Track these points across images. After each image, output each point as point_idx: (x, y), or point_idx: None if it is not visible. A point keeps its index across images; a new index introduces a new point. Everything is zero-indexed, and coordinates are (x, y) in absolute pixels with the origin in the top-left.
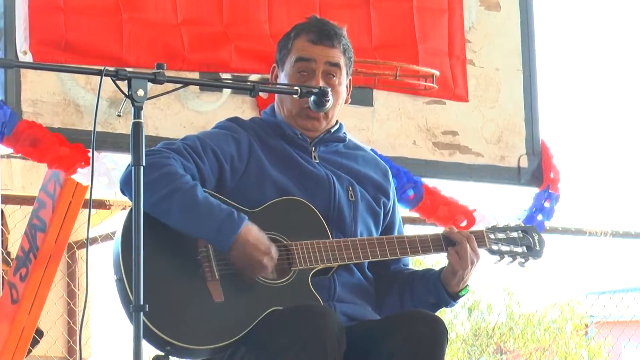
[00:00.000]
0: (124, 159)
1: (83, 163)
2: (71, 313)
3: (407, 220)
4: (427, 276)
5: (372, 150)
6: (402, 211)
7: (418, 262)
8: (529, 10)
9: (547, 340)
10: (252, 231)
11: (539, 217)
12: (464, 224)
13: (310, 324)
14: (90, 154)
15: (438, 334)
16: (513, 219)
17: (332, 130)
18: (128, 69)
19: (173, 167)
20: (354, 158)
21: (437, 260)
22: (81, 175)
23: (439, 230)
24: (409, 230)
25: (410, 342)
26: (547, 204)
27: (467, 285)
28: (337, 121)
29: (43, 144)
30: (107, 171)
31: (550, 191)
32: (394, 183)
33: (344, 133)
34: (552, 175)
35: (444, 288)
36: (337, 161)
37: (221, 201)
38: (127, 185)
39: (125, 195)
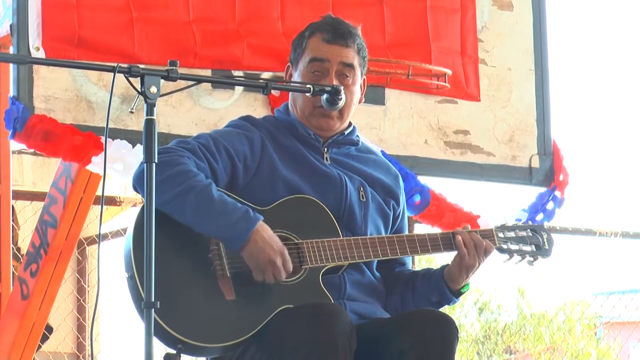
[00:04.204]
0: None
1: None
2: (81, 309)
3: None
4: (429, 274)
5: (382, 152)
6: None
7: (430, 260)
8: (542, 9)
9: (557, 340)
10: (267, 230)
11: (539, 216)
12: None
13: (321, 323)
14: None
15: (449, 334)
16: (511, 218)
17: (346, 133)
18: (141, 66)
19: (187, 166)
20: (365, 161)
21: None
22: (95, 165)
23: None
24: (419, 229)
25: (421, 341)
26: (549, 206)
27: (468, 282)
28: (350, 123)
29: (55, 136)
30: (122, 156)
31: (554, 193)
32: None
33: (357, 136)
34: (561, 178)
35: (447, 285)
36: (348, 163)
37: (234, 199)
38: (140, 182)
39: (138, 192)
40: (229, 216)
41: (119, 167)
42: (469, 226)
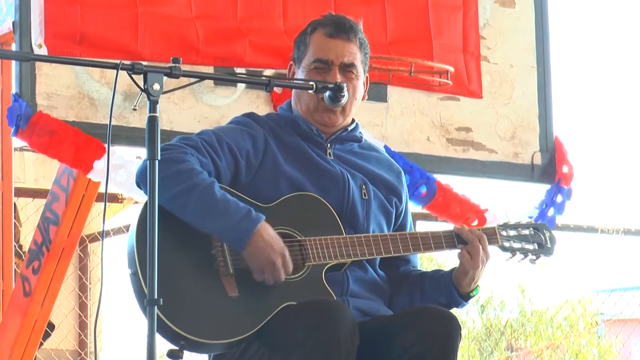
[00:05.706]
0: (141, 153)
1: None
2: (82, 306)
3: (419, 217)
4: (438, 276)
5: (385, 147)
6: (413, 207)
7: (430, 259)
8: (544, 7)
9: (558, 337)
10: (269, 231)
11: (550, 211)
12: (475, 223)
13: (324, 319)
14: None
15: (451, 330)
16: (524, 216)
17: (349, 129)
18: (144, 63)
19: (190, 163)
20: (368, 158)
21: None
22: (97, 173)
23: (452, 226)
24: (421, 227)
25: (424, 338)
26: (558, 199)
27: (477, 285)
28: (353, 120)
29: (58, 138)
30: (125, 164)
31: (561, 186)
32: (407, 180)
33: (360, 133)
34: (565, 170)
35: (455, 288)
36: (351, 160)
37: (236, 197)
38: (143, 178)
39: (141, 189)
40: (231, 216)
41: (122, 177)
42: (465, 227)
